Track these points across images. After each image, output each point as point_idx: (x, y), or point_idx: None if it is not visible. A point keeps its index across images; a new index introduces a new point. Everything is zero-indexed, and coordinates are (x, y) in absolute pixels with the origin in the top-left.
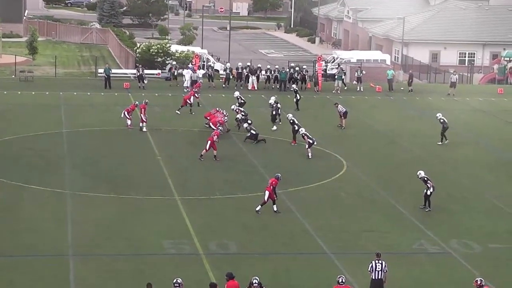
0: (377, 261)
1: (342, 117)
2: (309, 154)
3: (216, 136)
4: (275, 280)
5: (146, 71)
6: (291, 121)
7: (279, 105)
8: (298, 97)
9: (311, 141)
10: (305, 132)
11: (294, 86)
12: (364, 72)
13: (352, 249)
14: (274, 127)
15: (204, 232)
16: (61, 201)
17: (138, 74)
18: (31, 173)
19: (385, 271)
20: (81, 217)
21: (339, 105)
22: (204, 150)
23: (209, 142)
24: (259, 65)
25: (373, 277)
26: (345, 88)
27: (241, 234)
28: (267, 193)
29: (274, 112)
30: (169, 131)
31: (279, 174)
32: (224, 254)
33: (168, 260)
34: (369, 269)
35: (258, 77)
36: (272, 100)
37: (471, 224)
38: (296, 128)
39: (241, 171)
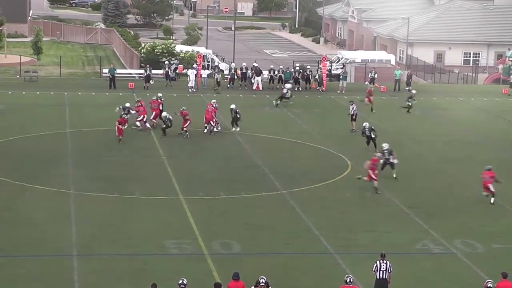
0: (381, 261)
1: (353, 119)
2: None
3: None
4: (278, 279)
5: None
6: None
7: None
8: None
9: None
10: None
11: (353, 107)
12: (376, 74)
13: (356, 249)
14: (237, 129)
15: (208, 232)
16: (65, 201)
17: (146, 74)
18: (35, 173)
19: (389, 271)
20: (85, 217)
21: (354, 104)
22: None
23: None
24: (255, 64)
25: (378, 277)
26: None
27: (245, 234)
28: (370, 172)
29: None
30: (173, 131)
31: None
32: (228, 254)
33: (172, 260)
34: (373, 269)
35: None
36: (232, 106)
37: (475, 224)
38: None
39: (245, 171)
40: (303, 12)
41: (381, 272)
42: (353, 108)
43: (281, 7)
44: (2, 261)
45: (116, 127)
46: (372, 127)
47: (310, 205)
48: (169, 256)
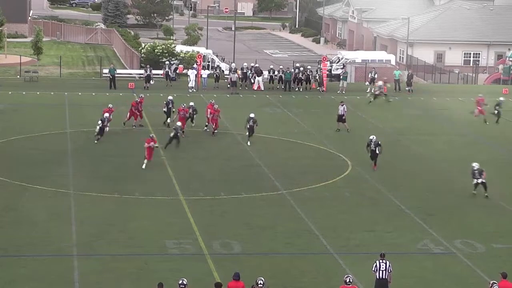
0: (381, 261)
1: (342, 120)
2: None
3: None
4: (279, 280)
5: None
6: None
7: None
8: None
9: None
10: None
11: (344, 107)
12: (377, 74)
13: (356, 249)
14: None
15: (208, 232)
16: (65, 201)
17: (146, 74)
18: (35, 173)
19: (389, 271)
20: (85, 217)
21: (344, 105)
22: None
23: None
24: (255, 64)
25: (377, 277)
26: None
27: (245, 234)
28: None
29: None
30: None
31: None
32: (228, 254)
33: (172, 259)
34: (373, 269)
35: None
36: (250, 115)
37: (475, 224)
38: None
39: (245, 171)
40: (303, 12)
41: (380, 272)
42: (343, 109)
43: (281, 7)
44: (2, 261)
45: (146, 149)
46: (379, 142)
47: (310, 205)
48: (169, 256)
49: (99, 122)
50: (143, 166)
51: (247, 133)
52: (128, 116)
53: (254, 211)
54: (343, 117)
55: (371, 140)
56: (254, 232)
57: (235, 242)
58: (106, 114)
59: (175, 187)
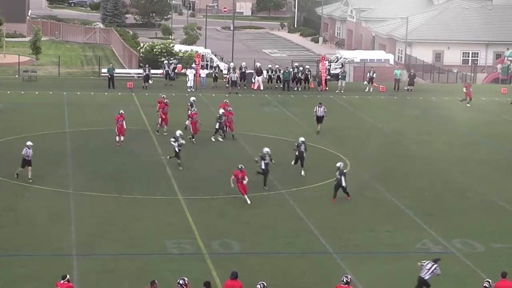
0: (429, 262)
1: (321, 121)
2: None
3: None
4: (278, 280)
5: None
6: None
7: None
8: (322, 114)
9: None
10: None
11: (323, 108)
12: (375, 73)
13: (356, 249)
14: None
15: (207, 232)
16: (64, 200)
17: (145, 74)
18: (34, 173)
19: (435, 273)
20: (84, 217)
21: (323, 106)
22: None
23: None
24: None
25: (420, 275)
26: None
27: (244, 234)
28: None
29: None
30: (172, 131)
31: None
32: (227, 254)
33: (171, 259)
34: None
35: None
36: (301, 139)
37: (475, 224)
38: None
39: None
40: (302, 12)
41: (425, 270)
42: (323, 110)
43: (280, 7)
44: (2, 261)
45: (240, 185)
46: (345, 171)
47: (310, 205)
48: (168, 256)
49: (172, 139)
50: (248, 201)
51: (295, 160)
52: (163, 120)
53: (254, 211)
54: (321, 118)
55: (338, 168)
56: (253, 232)
57: (234, 242)
58: (179, 131)
59: (174, 187)
